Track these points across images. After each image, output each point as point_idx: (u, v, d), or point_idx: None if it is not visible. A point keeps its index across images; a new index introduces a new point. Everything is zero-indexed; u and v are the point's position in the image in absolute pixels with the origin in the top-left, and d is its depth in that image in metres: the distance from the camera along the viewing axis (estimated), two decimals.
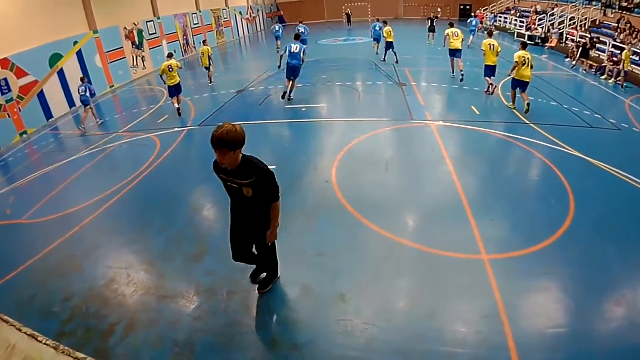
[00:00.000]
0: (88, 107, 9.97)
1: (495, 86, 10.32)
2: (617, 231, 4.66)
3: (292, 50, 9.98)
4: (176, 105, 10.04)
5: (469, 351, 3.26)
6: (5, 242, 5.47)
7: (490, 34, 10.41)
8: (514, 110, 8.92)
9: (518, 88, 8.80)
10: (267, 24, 33.47)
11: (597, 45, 14.02)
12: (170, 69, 9.76)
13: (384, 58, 14.78)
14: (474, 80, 11.68)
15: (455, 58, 11.71)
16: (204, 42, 14.25)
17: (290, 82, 10.35)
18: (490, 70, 10.08)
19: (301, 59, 10.02)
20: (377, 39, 15.99)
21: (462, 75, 11.50)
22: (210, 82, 13.59)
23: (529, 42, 18.08)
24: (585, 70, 13.19)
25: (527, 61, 8.54)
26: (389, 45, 14.24)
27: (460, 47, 11.50)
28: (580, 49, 13.82)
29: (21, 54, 10.32)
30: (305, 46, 10.69)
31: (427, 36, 19.06)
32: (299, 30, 14.43)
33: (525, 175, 6.39)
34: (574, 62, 13.79)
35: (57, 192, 6.67)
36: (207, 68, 13.41)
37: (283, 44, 19.17)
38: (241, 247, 3.65)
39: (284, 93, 10.47)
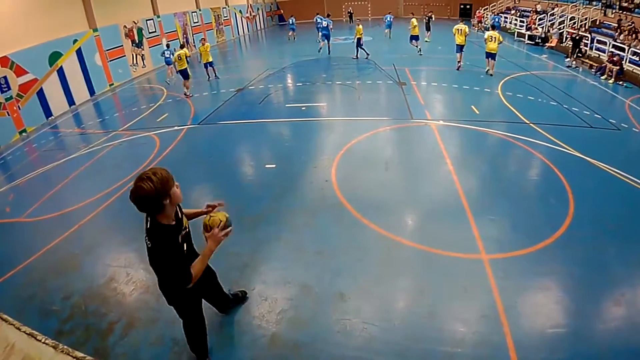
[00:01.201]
0: (170, 66, 13.39)
1: (461, 64, 12.97)
2: (616, 231, 4.66)
3: (323, 25, 16.87)
4: (185, 91, 11.97)
5: (468, 351, 3.26)
6: (4, 240, 5.46)
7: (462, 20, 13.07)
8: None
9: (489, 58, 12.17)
10: (267, 22, 33.42)
11: (587, 41, 14.16)
12: (179, 58, 11.63)
13: (357, 56, 15.59)
14: (475, 80, 11.70)
15: (415, 41, 16.04)
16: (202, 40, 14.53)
17: (325, 42, 16.87)
18: (458, 48, 12.78)
19: (329, 29, 16.56)
20: (389, 27, 20.97)
21: (420, 51, 15.83)
22: (215, 76, 14.16)
23: (529, 42, 18.20)
24: (574, 65, 13.38)
25: (494, 38, 11.69)
26: (358, 42, 15.38)
27: (417, 34, 15.91)
28: (572, 45, 13.93)
29: (21, 52, 10.30)
30: (331, 22, 16.99)
31: (425, 35, 19.41)
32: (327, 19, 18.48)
33: (525, 175, 6.39)
34: (573, 62, 13.79)
35: (57, 191, 6.66)
36: (211, 64, 13.88)
37: (299, 36, 21.98)
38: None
39: (320, 48, 17.00)
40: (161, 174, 2.22)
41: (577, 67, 13.46)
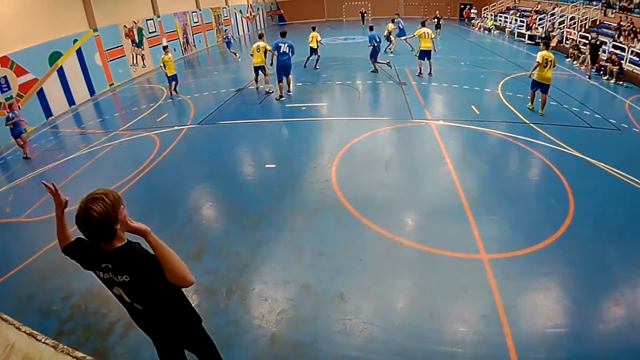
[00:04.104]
0: (19, 138, 8.35)
1: (422, 72, 12.16)
2: (616, 231, 4.66)
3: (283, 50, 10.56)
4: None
5: (468, 351, 3.26)
6: (4, 240, 5.46)
7: (423, 24, 11.92)
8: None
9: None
10: (267, 22, 33.44)
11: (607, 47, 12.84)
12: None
13: (306, 65, 14.40)
14: (475, 80, 11.70)
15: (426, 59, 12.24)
16: (260, 36, 11.59)
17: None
18: (424, 54, 11.79)
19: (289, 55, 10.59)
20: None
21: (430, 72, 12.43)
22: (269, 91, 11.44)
23: (529, 42, 18.20)
24: (589, 74, 12.08)
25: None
26: (312, 51, 14.07)
27: (431, 48, 11.94)
28: (590, 52, 12.33)
29: (21, 52, 10.30)
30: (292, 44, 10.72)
31: (435, 32, 19.62)
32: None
33: (525, 175, 6.39)
34: (593, 71, 12.21)
35: None
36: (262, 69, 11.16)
37: (299, 35, 19.78)
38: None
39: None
40: (113, 196, 1.87)
41: (599, 75, 11.94)
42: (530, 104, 9.00)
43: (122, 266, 1.90)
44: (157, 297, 1.99)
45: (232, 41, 17.98)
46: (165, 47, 12.69)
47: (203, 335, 2.38)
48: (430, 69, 12.15)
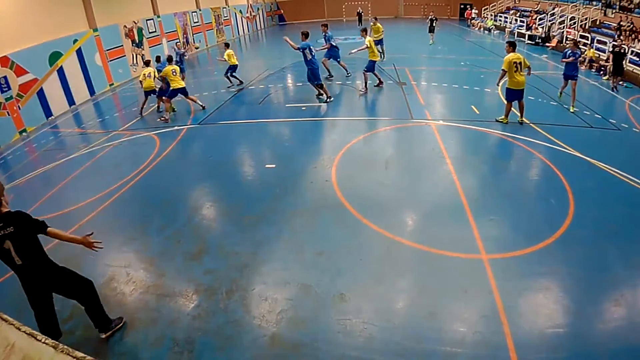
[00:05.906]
0: None
1: (381, 81, 11.12)
2: (616, 231, 4.66)
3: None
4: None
5: (468, 351, 3.26)
6: None
7: (366, 32, 10.71)
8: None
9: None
10: (267, 22, 33.46)
11: (597, 45, 13.34)
12: (174, 73, 9.58)
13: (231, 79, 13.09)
14: (475, 80, 11.70)
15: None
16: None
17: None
18: (373, 65, 10.50)
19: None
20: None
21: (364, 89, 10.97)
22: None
23: (529, 42, 18.21)
24: (613, 84, 10.89)
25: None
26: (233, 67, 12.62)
27: (377, 59, 10.90)
28: (612, 61, 11.10)
29: (21, 52, 10.31)
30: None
31: (429, 37, 18.97)
32: None
33: (525, 175, 6.38)
34: (614, 83, 10.92)
35: (56, 191, 6.65)
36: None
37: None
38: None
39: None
40: None
41: (620, 85, 10.97)
42: (504, 117, 8.11)
43: (9, 221, 3.03)
44: (31, 243, 3.26)
45: (184, 58, 13.41)
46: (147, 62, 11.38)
47: (63, 273, 3.56)
48: (366, 83, 10.75)
